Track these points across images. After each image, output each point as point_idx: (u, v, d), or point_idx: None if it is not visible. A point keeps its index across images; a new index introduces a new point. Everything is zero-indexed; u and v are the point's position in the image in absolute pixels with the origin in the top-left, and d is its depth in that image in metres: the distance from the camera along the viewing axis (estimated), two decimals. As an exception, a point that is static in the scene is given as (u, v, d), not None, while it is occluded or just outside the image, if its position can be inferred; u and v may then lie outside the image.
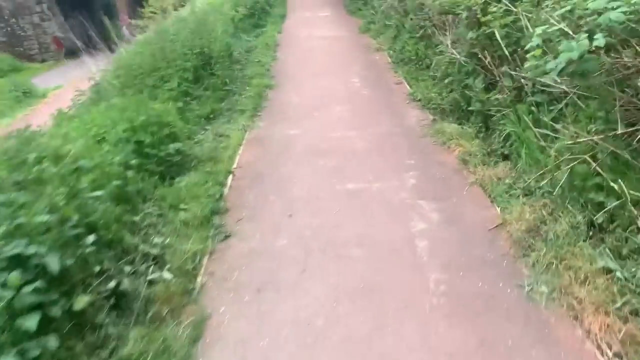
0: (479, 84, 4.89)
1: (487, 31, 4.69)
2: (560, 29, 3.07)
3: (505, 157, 4.48)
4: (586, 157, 3.05)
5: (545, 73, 3.10)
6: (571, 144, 3.28)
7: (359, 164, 4.65)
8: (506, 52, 4.54)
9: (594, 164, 3.05)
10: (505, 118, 4.49)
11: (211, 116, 6.37)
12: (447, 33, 6.21)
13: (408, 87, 6.93)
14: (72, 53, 32.99)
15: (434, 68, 6.80)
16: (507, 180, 4.01)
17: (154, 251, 3.44)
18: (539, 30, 3.02)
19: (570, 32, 2.99)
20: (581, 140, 3.07)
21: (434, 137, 5.13)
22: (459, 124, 5.38)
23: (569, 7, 2.90)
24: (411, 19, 8.10)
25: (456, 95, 5.71)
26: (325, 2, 16.54)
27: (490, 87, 4.97)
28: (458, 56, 5.43)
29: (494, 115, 4.67)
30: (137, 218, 3.65)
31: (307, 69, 8.46)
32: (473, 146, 4.66)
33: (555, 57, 2.89)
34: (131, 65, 6.81)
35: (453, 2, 5.25)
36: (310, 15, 14.30)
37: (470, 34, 5.06)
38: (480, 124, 4.99)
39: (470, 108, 5.18)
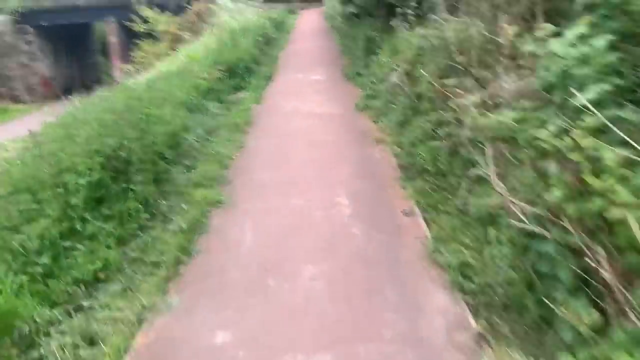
0: (582, 308, 2.39)
1: (604, 212, 2.24)
2: None
3: None
4: None
5: None
6: None
7: None
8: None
9: None
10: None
11: (101, 277, 3.86)
12: (489, 154, 3.79)
13: (424, 225, 4.45)
14: (64, 93, 31.33)
15: (463, 201, 4.35)
16: None
17: None
18: None
19: None
20: None
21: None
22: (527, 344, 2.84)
23: None
24: (427, 111, 5.75)
25: (513, 273, 3.22)
26: (321, 60, 14.43)
27: (602, 310, 2.46)
28: (521, 218, 2.96)
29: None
30: None
31: (279, 172, 6.02)
32: None
33: None
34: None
35: (520, 128, 2.81)
36: (300, 79, 12.08)
37: (557, 194, 2.61)
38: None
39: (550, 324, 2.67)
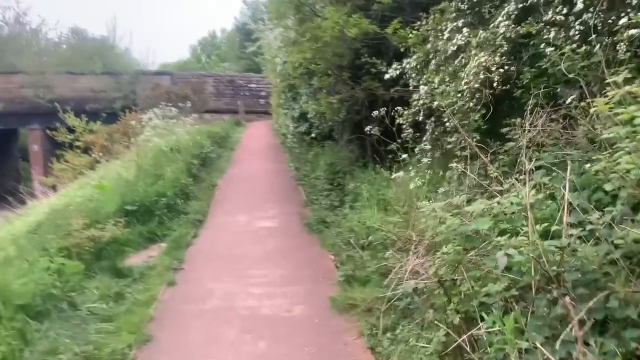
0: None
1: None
2: None
3: None
4: None
5: None
6: None
7: None
8: None
9: None
10: None
11: None
12: None
13: None
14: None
15: None
16: None
17: None
18: None
19: None
20: None
21: None
22: None
23: None
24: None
25: None
26: (271, 192, 11.31)
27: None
28: None
29: None
30: None
31: None
32: None
33: None
34: None
35: None
36: (243, 225, 8.78)
37: None
38: None
39: None
